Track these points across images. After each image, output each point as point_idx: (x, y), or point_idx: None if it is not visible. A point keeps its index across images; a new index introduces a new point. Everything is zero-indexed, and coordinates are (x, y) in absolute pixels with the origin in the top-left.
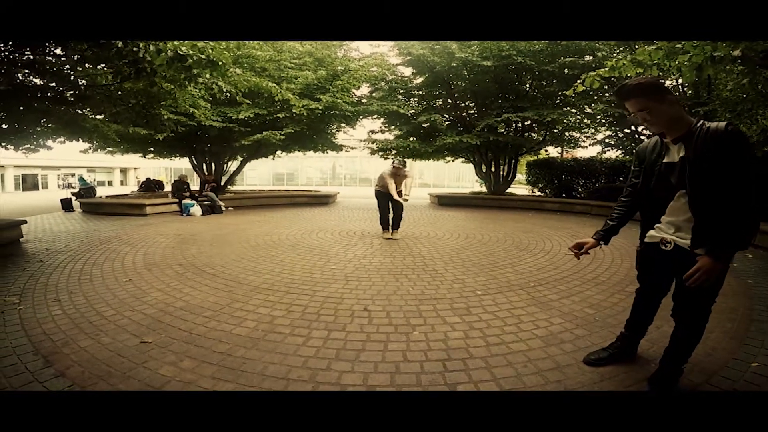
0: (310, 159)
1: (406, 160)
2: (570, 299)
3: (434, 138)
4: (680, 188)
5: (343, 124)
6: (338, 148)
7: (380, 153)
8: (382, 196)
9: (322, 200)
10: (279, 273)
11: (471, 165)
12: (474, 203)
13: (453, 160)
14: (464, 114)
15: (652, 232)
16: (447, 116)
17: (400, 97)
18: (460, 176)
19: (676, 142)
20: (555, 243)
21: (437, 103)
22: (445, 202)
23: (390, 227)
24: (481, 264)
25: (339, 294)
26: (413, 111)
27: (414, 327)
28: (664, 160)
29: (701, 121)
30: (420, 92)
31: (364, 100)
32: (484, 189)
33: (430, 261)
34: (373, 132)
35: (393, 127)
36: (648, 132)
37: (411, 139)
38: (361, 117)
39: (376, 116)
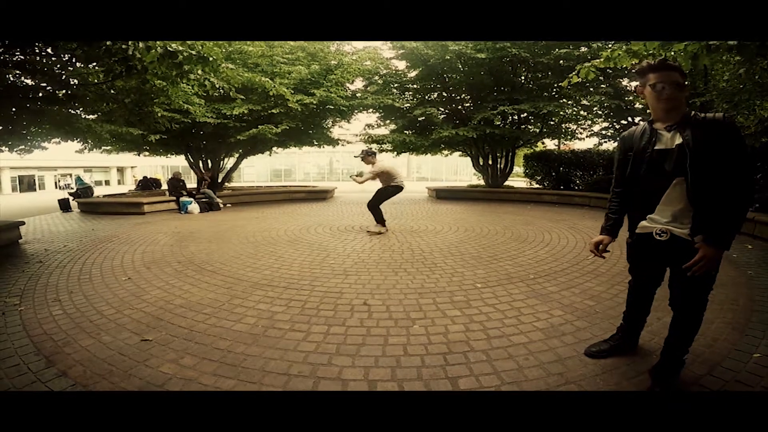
0: (307, 155)
1: (374, 150)
2: (570, 291)
3: (430, 132)
4: (677, 175)
5: (338, 119)
6: (334, 142)
7: (376, 147)
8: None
9: (319, 195)
10: (278, 269)
11: (468, 158)
12: (472, 196)
13: (450, 154)
14: (460, 107)
15: (644, 223)
16: (442, 110)
17: (394, 90)
18: (457, 170)
19: (670, 130)
20: (554, 235)
21: (432, 97)
22: (443, 195)
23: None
24: (480, 257)
25: (338, 289)
26: (408, 105)
27: (414, 321)
28: (656, 147)
29: (693, 112)
30: (414, 86)
31: (358, 94)
32: (482, 182)
33: (429, 254)
34: (369, 126)
35: (388, 121)
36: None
37: (407, 132)
38: (356, 111)
39: (371, 110)
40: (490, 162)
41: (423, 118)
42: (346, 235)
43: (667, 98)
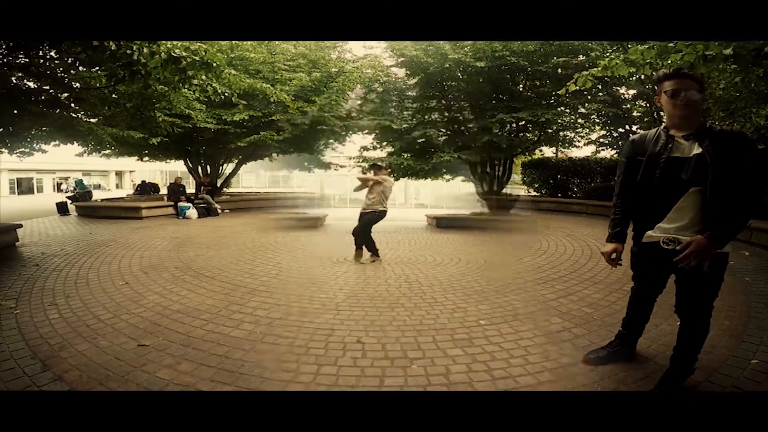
0: (296, 177)
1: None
2: (572, 301)
3: (430, 155)
4: (694, 185)
5: (331, 141)
6: (326, 166)
7: (372, 172)
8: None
9: (309, 223)
10: (276, 275)
11: (471, 184)
12: (476, 224)
13: (452, 179)
14: (462, 128)
15: (650, 233)
16: (444, 131)
17: (392, 110)
18: (459, 195)
19: (688, 138)
20: (573, 261)
21: (432, 117)
22: (444, 224)
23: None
24: (483, 291)
25: (329, 325)
26: (406, 125)
27: (412, 360)
28: (672, 155)
29: (709, 123)
30: (414, 105)
31: (353, 114)
32: (485, 209)
33: (428, 288)
34: (364, 149)
35: (385, 143)
36: (641, 131)
37: (405, 155)
38: (350, 132)
39: (366, 132)
40: (488, 170)
41: (423, 139)
42: (338, 267)
43: (681, 104)
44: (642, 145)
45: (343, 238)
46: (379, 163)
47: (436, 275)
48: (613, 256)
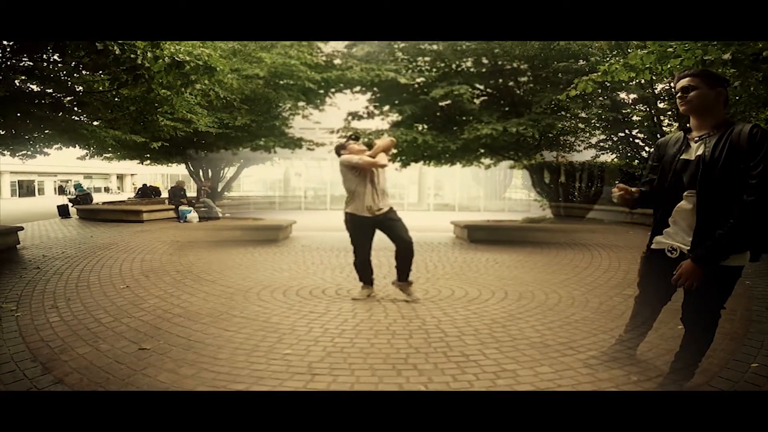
0: (255, 167)
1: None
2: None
3: (460, 126)
4: (690, 188)
5: (302, 103)
6: (295, 144)
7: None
8: (359, 222)
9: (266, 235)
10: (210, 320)
11: (522, 173)
12: (530, 238)
13: (494, 165)
14: (511, 83)
15: (659, 238)
16: (481, 88)
17: (399, 54)
18: (504, 191)
19: (699, 140)
20: None
21: (465, 65)
22: (480, 237)
23: (398, 277)
24: (545, 344)
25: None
26: (422, 79)
27: None
28: (682, 157)
29: (731, 123)
30: (434, 46)
31: (337, 62)
32: (547, 213)
33: (455, 339)
34: (354, 116)
35: (387, 107)
36: (641, 135)
37: (420, 128)
38: (332, 90)
39: (358, 89)
40: (563, 179)
41: (448, 101)
42: (312, 305)
43: (680, 101)
44: (665, 148)
45: (317, 259)
46: (352, 135)
47: (468, 318)
48: (625, 194)
